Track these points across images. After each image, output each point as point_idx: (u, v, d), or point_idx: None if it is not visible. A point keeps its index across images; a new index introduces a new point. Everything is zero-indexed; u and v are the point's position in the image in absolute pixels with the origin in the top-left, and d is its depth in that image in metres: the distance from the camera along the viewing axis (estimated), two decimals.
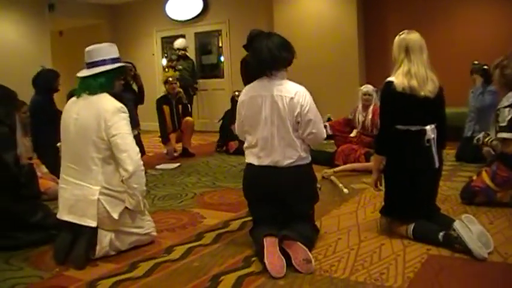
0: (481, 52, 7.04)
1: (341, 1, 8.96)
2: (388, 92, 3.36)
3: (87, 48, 3.46)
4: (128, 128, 3.30)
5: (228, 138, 7.68)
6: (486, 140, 4.40)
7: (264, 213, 3.36)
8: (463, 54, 7.76)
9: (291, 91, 3.28)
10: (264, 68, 3.33)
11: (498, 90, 4.23)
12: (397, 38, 3.46)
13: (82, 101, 3.38)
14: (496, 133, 4.09)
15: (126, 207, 3.32)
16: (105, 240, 3.32)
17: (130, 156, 3.21)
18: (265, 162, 3.31)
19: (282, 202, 3.32)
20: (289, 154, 3.29)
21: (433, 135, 3.35)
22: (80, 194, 3.24)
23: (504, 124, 3.97)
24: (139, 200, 3.32)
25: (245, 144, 3.48)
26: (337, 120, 7.20)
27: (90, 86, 3.38)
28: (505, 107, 4.02)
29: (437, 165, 3.41)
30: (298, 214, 3.37)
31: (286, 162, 3.28)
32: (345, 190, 4.84)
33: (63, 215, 3.31)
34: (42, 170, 5.18)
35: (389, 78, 3.39)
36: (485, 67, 5.94)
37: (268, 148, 3.29)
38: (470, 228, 3.14)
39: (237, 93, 6.79)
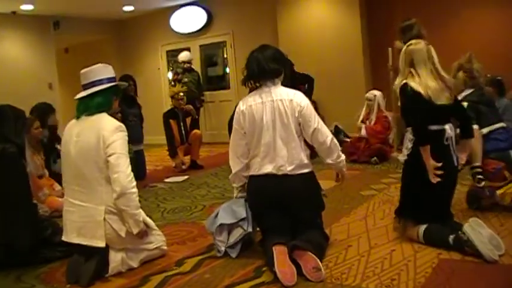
0: (488, 57, 7.02)
1: (344, 8, 8.98)
2: (407, 93, 3.40)
3: (83, 70, 3.49)
4: (123, 148, 3.28)
5: None
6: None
7: (272, 223, 3.37)
8: None
9: (289, 94, 3.39)
10: (253, 79, 3.45)
11: (458, 89, 4.28)
12: (403, 49, 3.57)
13: (81, 122, 3.39)
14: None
15: None
16: (116, 259, 3.33)
17: (120, 178, 3.17)
18: (269, 169, 3.33)
19: (288, 211, 3.34)
20: (291, 158, 3.32)
21: (452, 134, 3.42)
22: (87, 216, 3.24)
23: None
24: (135, 221, 3.27)
25: (249, 163, 3.51)
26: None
27: (88, 107, 3.40)
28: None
29: (456, 163, 3.46)
30: (305, 222, 3.38)
31: (290, 167, 3.31)
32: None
33: (72, 238, 3.30)
34: (55, 187, 5.21)
35: (404, 81, 3.46)
36: (499, 78, 5.92)
37: (271, 154, 3.33)
38: (480, 231, 3.13)
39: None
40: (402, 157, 3.65)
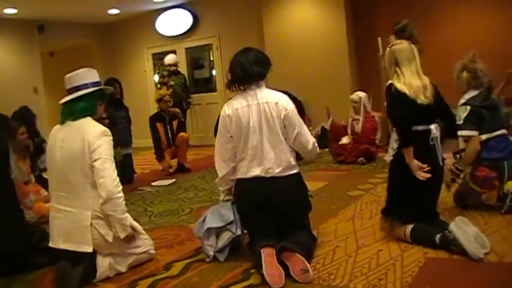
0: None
1: (330, 10, 8.99)
2: (392, 94, 3.43)
3: (67, 75, 3.47)
4: (109, 152, 3.27)
5: None
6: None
7: (260, 226, 3.37)
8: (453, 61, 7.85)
9: (274, 97, 3.41)
10: (238, 83, 3.45)
11: (462, 89, 4.26)
12: (387, 50, 3.60)
13: (66, 127, 3.38)
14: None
15: None
16: (104, 264, 3.32)
17: (105, 183, 3.16)
18: (257, 172, 3.34)
19: (275, 213, 3.34)
20: (279, 160, 3.34)
21: (437, 134, 3.44)
22: (74, 221, 3.23)
23: (461, 122, 4.02)
24: (122, 226, 3.26)
25: (235, 166, 3.51)
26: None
27: (72, 112, 3.39)
28: (461, 105, 4.10)
29: (441, 163, 3.49)
30: (293, 224, 3.39)
31: (278, 169, 3.33)
32: None
33: (59, 244, 3.28)
34: (42, 192, 5.18)
35: (390, 81, 3.48)
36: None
37: (258, 157, 3.34)
38: (466, 230, 3.16)
39: None
40: (388, 157, 3.68)
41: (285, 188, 3.34)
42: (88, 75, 3.49)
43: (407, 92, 3.36)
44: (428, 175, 3.34)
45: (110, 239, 3.25)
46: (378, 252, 3.35)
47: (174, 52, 10.85)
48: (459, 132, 4.01)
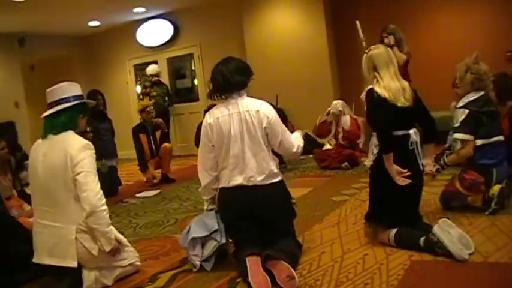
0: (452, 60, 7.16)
1: (310, 17, 9.05)
2: (373, 99, 3.43)
3: (49, 89, 3.45)
4: (91, 166, 3.25)
5: None
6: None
7: (244, 234, 3.37)
8: (435, 63, 7.95)
9: (255, 105, 3.41)
10: (219, 92, 3.46)
11: (461, 93, 4.24)
12: (364, 56, 3.61)
13: (48, 141, 3.35)
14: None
15: None
16: (89, 278, 3.30)
17: (89, 196, 3.14)
18: (239, 180, 3.34)
19: (259, 221, 3.34)
20: (261, 169, 3.35)
21: (416, 139, 3.45)
22: (58, 236, 3.20)
23: (457, 125, 4.04)
24: (107, 239, 3.23)
25: (218, 175, 3.51)
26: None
27: (53, 126, 3.37)
28: (460, 107, 4.09)
29: (422, 167, 3.50)
30: (278, 231, 3.39)
31: (260, 178, 3.33)
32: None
33: (44, 259, 3.25)
34: (25, 207, 5.12)
35: (370, 86, 3.49)
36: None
37: (240, 165, 3.35)
38: (449, 231, 3.19)
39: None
40: (368, 162, 3.69)
41: (268, 196, 3.35)
42: (70, 89, 3.47)
43: (387, 96, 3.38)
44: (409, 180, 3.36)
45: (95, 252, 3.23)
46: (363, 256, 3.36)
47: (155, 62, 10.85)
48: (454, 135, 4.05)
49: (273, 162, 3.42)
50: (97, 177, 3.25)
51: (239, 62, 3.55)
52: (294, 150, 3.52)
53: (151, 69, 9.96)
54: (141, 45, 11.35)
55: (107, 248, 3.23)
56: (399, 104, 3.38)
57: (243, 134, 3.35)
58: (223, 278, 3.28)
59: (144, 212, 5.69)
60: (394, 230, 3.43)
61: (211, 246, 3.46)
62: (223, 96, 3.47)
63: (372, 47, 3.61)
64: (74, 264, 3.18)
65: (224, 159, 3.40)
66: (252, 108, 3.38)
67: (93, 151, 3.33)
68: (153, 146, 7.59)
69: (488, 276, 2.88)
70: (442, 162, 4.15)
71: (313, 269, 3.25)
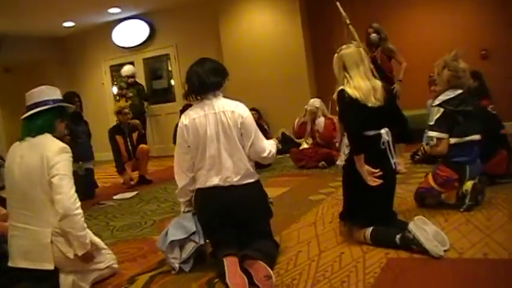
0: (429, 57, 7.24)
1: (285, 16, 9.10)
2: (344, 99, 3.42)
3: (28, 92, 3.42)
4: (67, 169, 3.22)
5: None
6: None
7: (221, 235, 3.37)
8: (411, 62, 8.01)
9: (231, 105, 3.42)
10: (195, 94, 3.46)
11: (439, 90, 4.26)
12: (335, 56, 3.60)
13: (25, 144, 3.32)
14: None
15: None
16: (67, 282, 3.26)
17: (63, 199, 3.11)
18: (215, 181, 3.34)
19: (236, 221, 3.34)
20: (237, 169, 3.35)
21: (388, 138, 3.46)
22: (34, 239, 3.17)
23: (432, 123, 4.08)
24: (80, 243, 3.19)
25: (194, 176, 3.50)
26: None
27: (31, 129, 3.34)
28: (435, 105, 4.13)
29: (393, 166, 3.52)
30: (255, 231, 3.40)
31: (236, 178, 3.33)
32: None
33: (19, 263, 3.21)
34: (0, 211, 5.04)
35: (341, 87, 3.48)
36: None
37: (216, 166, 3.35)
38: (425, 228, 3.23)
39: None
40: (340, 162, 3.71)
41: (244, 196, 3.35)
42: (48, 93, 3.44)
43: (358, 97, 3.38)
44: (380, 181, 3.38)
45: (70, 256, 3.20)
46: (340, 255, 3.39)
47: (131, 63, 10.76)
48: (429, 133, 4.08)
49: (249, 163, 3.43)
50: (72, 181, 3.21)
51: (214, 63, 3.55)
52: (265, 154, 3.48)
53: (126, 70, 9.82)
54: (117, 45, 11.29)
55: (80, 252, 3.19)
56: (370, 104, 3.39)
57: (218, 135, 3.35)
58: (201, 279, 3.27)
59: (121, 214, 5.65)
60: (370, 228, 3.46)
61: (189, 248, 3.46)
62: (199, 97, 3.47)
63: (343, 46, 3.61)
64: (51, 267, 3.15)
65: (200, 160, 3.40)
66: (228, 109, 3.38)
67: (70, 154, 3.30)
68: (130, 148, 7.54)
69: (463, 272, 2.92)
70: (420, 154, 4.19)
71: (290, 268, 3.27)
